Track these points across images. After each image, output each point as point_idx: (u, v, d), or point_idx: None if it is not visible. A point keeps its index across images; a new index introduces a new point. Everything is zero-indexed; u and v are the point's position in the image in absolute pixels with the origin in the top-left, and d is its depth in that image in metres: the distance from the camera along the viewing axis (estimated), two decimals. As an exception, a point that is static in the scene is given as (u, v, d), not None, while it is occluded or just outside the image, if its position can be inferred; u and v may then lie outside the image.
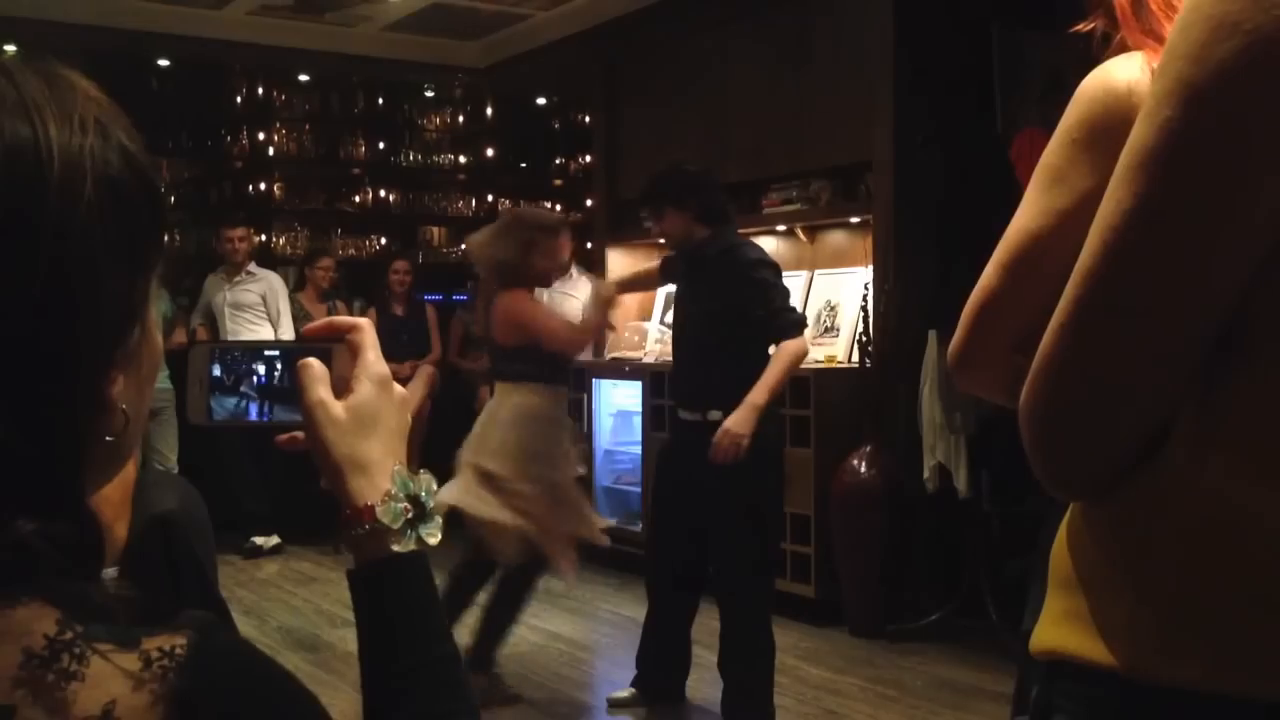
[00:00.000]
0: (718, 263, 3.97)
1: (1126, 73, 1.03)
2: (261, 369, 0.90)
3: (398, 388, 0.89)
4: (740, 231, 6.40)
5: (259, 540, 6.90)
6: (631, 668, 4.33)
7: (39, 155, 0.68)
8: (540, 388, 4.22)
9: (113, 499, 1.54)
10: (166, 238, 0.80)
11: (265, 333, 7.04)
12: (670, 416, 4.25)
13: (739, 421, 3.75)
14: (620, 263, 7.17)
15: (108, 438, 0.73)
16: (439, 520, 0.86)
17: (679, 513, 4.09)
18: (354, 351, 0.88)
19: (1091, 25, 1.11)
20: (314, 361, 0.86)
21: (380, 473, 0.85)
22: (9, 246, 0.66)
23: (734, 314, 3.89)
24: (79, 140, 0.70)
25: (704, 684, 4.44)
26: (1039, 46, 5.20)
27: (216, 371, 0.90)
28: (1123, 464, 0.97)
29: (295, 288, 7.56)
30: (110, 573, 1.50)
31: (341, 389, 0.86)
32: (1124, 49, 1.06)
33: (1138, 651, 0.95)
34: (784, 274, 6.23)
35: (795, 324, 3.92)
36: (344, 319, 0.90)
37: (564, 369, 4.38)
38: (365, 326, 0.89)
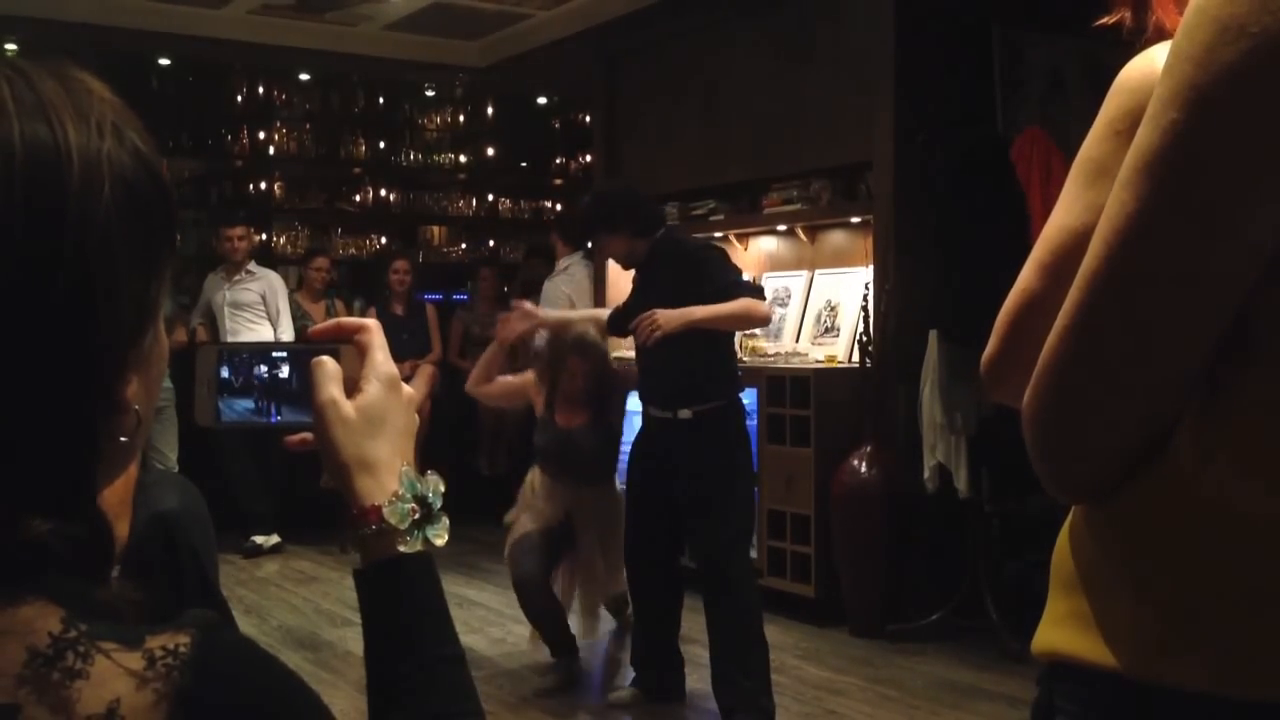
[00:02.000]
0: (666, 260, 4.09)
1: None
2: (269, 371, 0.91)
3: (406, 388, 0.89)
4: (740, 231, 6.48)
5: (259, 539, 6.90)
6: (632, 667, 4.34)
7: (59, 158, 0.68)
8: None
9: (114, 498, 1.54)
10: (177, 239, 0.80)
11: (265, 331, 7.04)
12: (643, 414, 4.29)
13: (668, 316, 3.83)
14: (620, 262, 7.15)
15: (121, 438, 0.73)
16: (446, 522, 0.86)
17: (656, 510, 4.15)
18: (362, 352, 0.88)
19: (1117, 18, 1.09)
20: (328, 360, 0.87)
21: (388, 473, 0.85)
22: (31, 248, 0.67)
23: (691, 301, 3.93)
24: (96, 143, 0.70)
25: (705, 682, 4.45)
26: (1039, 47, 5.21)
27: (224, 373, 0.90)
28: (1125, 466, 0.96)
29: (296, 287, 7.56)
30: (113, 572, 1.50)
31: (350, 389, 0.86)
32: (1160, 36, 1.03)
33: (1139, 653, 0.95)
34: (785, 274, 6.30)
35: (752, 290, 4.01)
36: (352, 320, 0.90)
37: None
38: (373, 327, 0.89)
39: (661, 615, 4.23)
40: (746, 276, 4.21)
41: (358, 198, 9.12)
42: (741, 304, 3.92)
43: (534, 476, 4.69)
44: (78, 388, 0.69)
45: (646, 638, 4.28)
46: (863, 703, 4.32)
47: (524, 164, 9.67)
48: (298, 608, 5.72)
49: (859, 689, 4.47)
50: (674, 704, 4.28)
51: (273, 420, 0.90)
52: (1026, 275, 1.05)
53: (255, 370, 0.90)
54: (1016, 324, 1.05)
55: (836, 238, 6.12)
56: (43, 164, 0.68)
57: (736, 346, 4.28)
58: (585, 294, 7.02)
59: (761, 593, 4.19)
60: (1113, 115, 1.02)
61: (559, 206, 9.65)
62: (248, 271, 7.14)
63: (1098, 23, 1.11)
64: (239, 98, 8.62)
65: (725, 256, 4.13)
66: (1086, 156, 1.04)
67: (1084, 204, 1.02)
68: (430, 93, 9.28)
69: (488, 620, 5.40)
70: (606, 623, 5.42)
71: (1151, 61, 1.01)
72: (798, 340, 6.03)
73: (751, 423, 5.63)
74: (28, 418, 0.66)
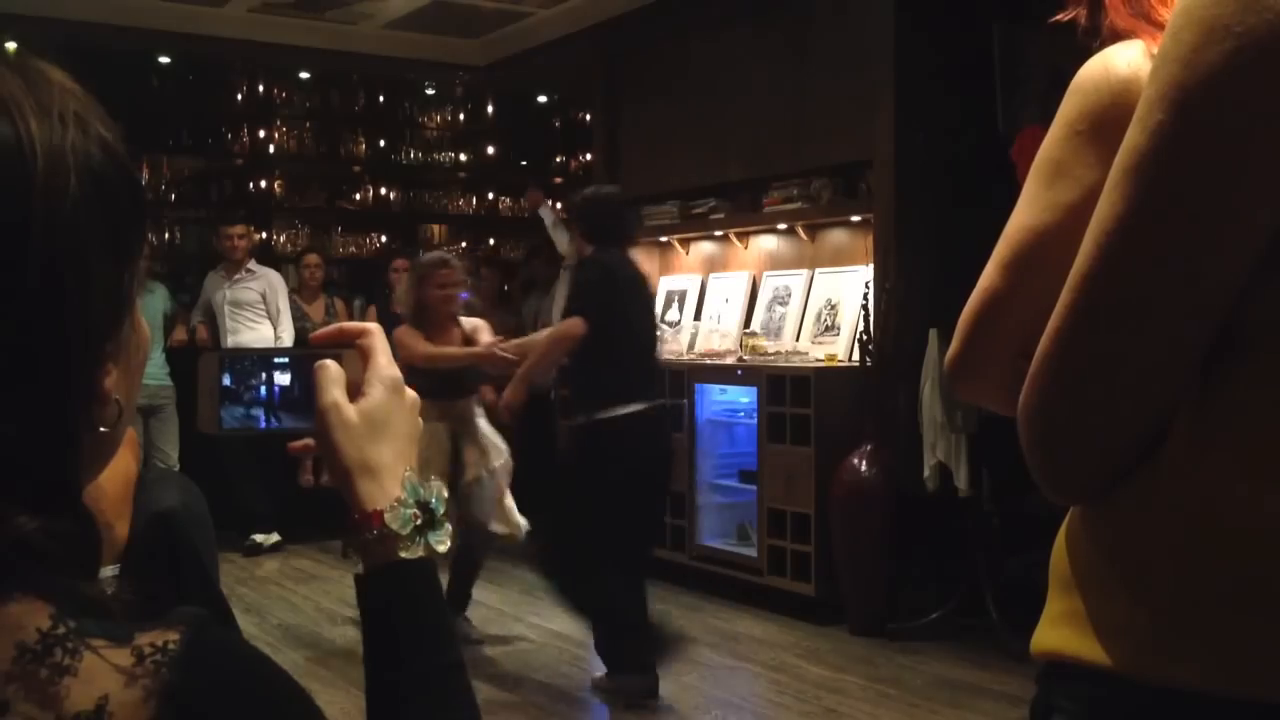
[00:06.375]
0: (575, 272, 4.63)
1: (1128, 59, 1.01)
2: (272, 377, 0.90)
3: (409, 392, 0.89)
4: (741, 230, 6.48)
5: (259, 538, 6.90)
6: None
7: (22, 153, 0.67)
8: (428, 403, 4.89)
9: (114, 497, 1.54)
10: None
11: (265, 330, 7.04)
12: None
13: (508, 393, 4.52)
14: (621, 261, 7.16)
15: (101, 429, 0.73)
16: (448, 528, 0.85)
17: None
18: (365, 356, 0.88)
19: (1071, 15, 1.11)
20: (331, 363, 0.86)
21: (390, 478, 0.84)
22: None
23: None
24: (60, 135, 0.69)
25: (705, 681, 4.46)
26: (1040, 44, 5.20)
27: (226, 381, 0.90)
28: (1120, 467, 0.96)
29: (296, 288, 7.57)
30: (112, 570, 1.50)
31: (353, 394, 0.86)
32: (1116, 37, 1.04)
33: (1135, 652, 0.95)
34: (785, 273, 6.29)
35: (580, 310, 4.29)
36: (354, 324, 0.90)
37: (452, 386, 4.85)
38: (376, 331, 0.89)
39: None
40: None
41: (358, 196, 9.12)
42: (546, 339, 4.44)
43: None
44: (55, 381, 0.68)
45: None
46: (863, 701, 4.32)
47: (524, 162, 9.67)
48: (298, 606, 5.72)
49: (859, 688, 4.47)
50: (673, 701, 4.28)
51: (275, 426, 0.90)
52: (989, 274, 1.06)
53: (258, 377, 0.90)
54: (980, 322, 1.06)
55: (837, 236, 6.12)
56: (6, 160, 0.67)
57: (622, 355, 4.31)
58: None
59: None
60: (1071, 116, 1.04)
61: (559, 205, 9.65)
62: (248, 270, 7.14)
63: (1053, 19, 1.12)
64: (239, 96, 8.61)
65: (585, 282, 4.38)
66: (1046, 157, 1.05)
67: (1044, 203, 1.03)
68: (430, 91, 9.27)
69: (488, 620, 5.40)
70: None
71: (1108, 61, 1.02)
72: (798, 339, 6.03)
73: (751, 421, 5.65)
74: (6, 413, 0.66)
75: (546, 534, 4.67)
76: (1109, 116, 0.99)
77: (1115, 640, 0.96)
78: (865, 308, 5.40)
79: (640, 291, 4.45)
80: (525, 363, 4.45)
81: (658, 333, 4.69)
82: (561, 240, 7.44)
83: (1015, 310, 1.03)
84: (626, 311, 4.30)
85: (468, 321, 5.06)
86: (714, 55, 6.50)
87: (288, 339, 6.99)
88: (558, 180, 9.69)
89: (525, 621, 5.37)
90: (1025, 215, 1.05)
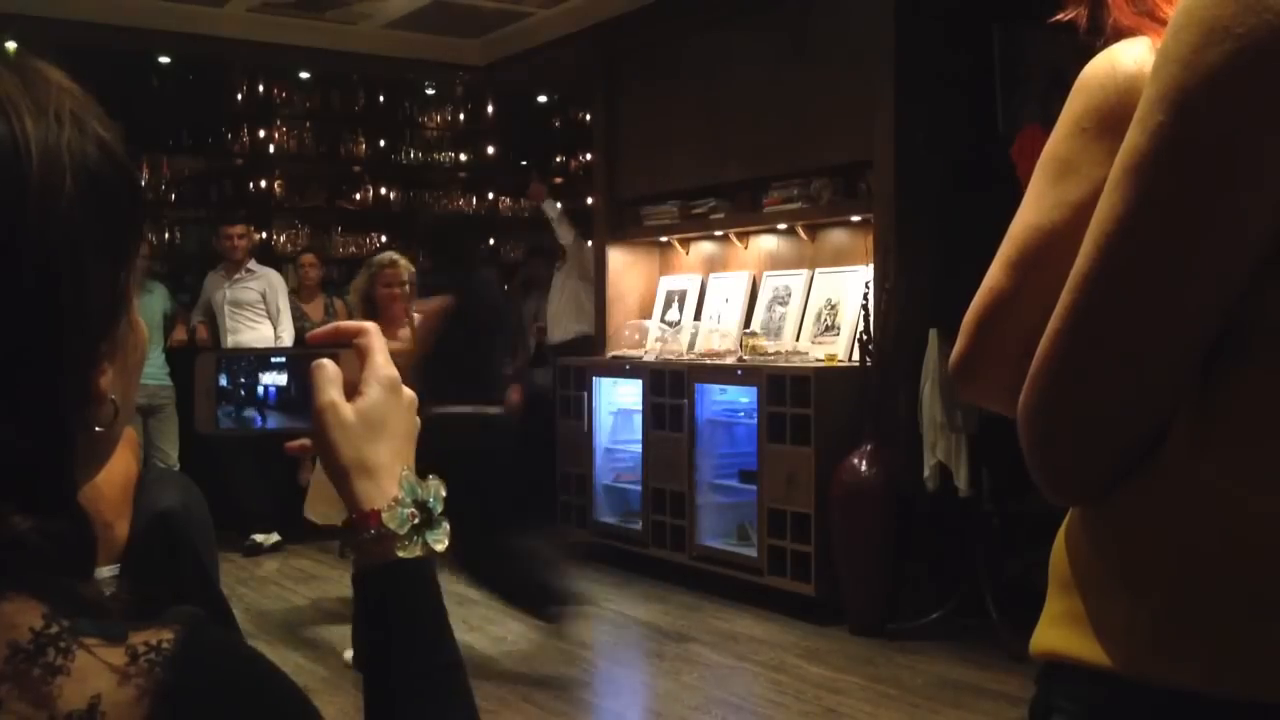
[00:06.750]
0: None
1: (1133, 56, 1.00)
2: (269, 378, 0.90)
3: (407, 391, 0.89)
4: (741, 230, 6.49)
5: (259, 538, 6.90)
6: (634, 665, 4.34)
7: (17, 152, 0.67)
8: None
9: (114, 497, 1.54)
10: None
11: (265, 330, 7.04)
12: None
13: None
14: (621, 260, 7.17)
15: (98, 429, 0.72)
16: (446, 526, 0.85)
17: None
18: (362, 355, 0.88)
19: (1072, 15, 1.10)
20: (328, 363, 0.86)
21: (388, 477, 0.84)
22: None
23: None
24: (56, 134, 0.69)
25: (705, 682, 4.46)
26: (1040, 44, 5.20)
27: (223, 381, 0.90)
28: (1121, 468, 0.96)
29: (295, 289, 7.57)
30: (112, 570, 1.50)
31: (350, 394, 0.86)
32: (1119, 35, 1.04)
33: (1135, 652, 0.95)
34: (785, 273, 6.30)
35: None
36: (350, 324, 0.90)
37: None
38: (373, 330, 0.89)
39: None
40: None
41: (358, 196, 9.12)
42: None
43: None
44: (49, 380, 0.68)
45: None
46: (863, 701, 4.32)
47: (524, 162, 9.67)
48: (298, 606, 5.72)
49: (859, 688, 4.47)
50: (673, 701, 4.28)
51: (272, 426, 0.90)
52: (994, 274, 1.05)
53: (254, 377, 0.90)
54: (985, 322, 1.05)
55: (837, 236, 6.11)
56: (1, 160, 0.67)
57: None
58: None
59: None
60: (1077, 114, 1.03)
61: (559, 205, 9.65)
62: (248, 270, 7.14)
63: (1053, 19, 1.12)
64: (239, 96, 8.61)
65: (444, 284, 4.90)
66: (1051, 154, 1.04)
67: (1050, 201, 1.02)
68: (430, 91, 9.27)
69: (488, 619, 5.39)
70: (606, 622, 5.42)
71: (1113, 58, 1.01)
72: (798, 339, 6.03)
73: (751, 421, 5.65)
74: (0, 413, 0.66)
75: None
76: (1115, 114, 0.98)
77: (1114, 640, 0.96)
78: (865, 308, 5.40)
79: (492, 305, 4.95)
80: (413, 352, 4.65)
81: (500, 347, 5.13)
82: (566, 234, 7.47)
83: (1021, 310, 1.01)
84: (470, 316, 4.71)
85: (418, 318, 5.30)
86: (714, 55, 6.49)
87: (288, 339, 7.00)
88: (558, 180, 9.69)
89: (525, 621, 5.37)
90: (1031, 214, 1.04)
